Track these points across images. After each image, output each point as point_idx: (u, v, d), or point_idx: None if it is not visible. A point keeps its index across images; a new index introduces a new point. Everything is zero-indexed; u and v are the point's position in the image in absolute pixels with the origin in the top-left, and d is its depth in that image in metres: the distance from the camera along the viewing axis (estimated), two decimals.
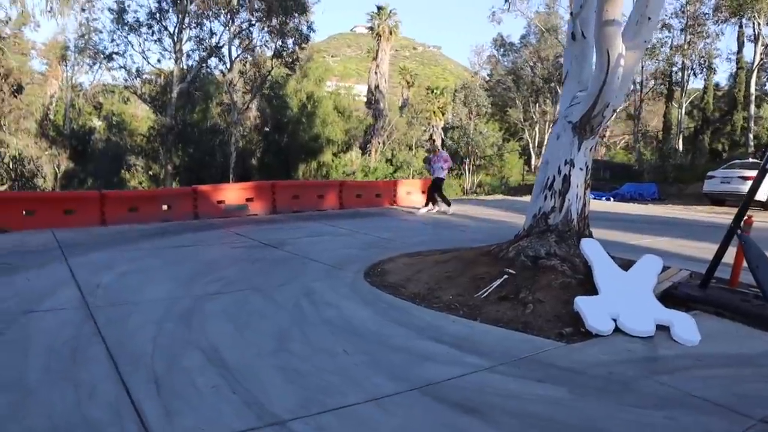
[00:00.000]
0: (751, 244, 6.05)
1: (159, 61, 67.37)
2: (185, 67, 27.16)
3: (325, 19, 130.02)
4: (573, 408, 3.75)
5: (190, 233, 10.65)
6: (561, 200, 7.11)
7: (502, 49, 45.42)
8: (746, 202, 6.16)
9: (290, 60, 26.01)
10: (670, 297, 6.25)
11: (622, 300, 5.62)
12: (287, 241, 9.91)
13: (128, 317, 5.44)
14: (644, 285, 6.05)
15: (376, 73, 42.68)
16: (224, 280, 7.02)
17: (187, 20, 25.12)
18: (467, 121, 41.82)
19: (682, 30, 32.03)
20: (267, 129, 30.29)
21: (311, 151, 30.08)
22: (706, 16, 31.75)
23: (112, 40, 25.48)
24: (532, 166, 42.29)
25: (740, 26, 30.79)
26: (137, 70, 25.26)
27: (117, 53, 26.75)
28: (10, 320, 5.26)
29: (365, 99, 44.43)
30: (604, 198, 20.13)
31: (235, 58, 27.76)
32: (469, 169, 39.65)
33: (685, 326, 5.19)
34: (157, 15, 24.34)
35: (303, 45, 26.35)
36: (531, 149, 45.21)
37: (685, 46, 31.60)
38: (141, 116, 32.33)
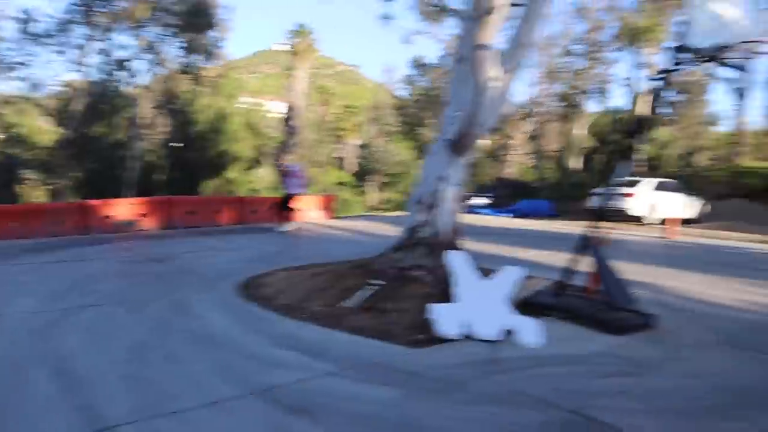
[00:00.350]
0: (601, 253, 6.54)
1: (62, 73, 64.68)
2: (92, 79, 26.29)
3: (247, 36, 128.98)
4: (402, 407, 3.97)
5: (76, 248, 10.35)
6: (432, 214, 7.44)
7: (417, 70, 46.45)
8: (599, 216, 6.63)
9: (197, 76, 25.66)
10: (528, 305, 6.66)
11: (476, 307, 5.95)
12: (174, 255, 9.80)
13: None
14: (500, 294, 6.40)
15: (291, 90, 42.77)
16: (98, 294, 6.91)
17: (95, 33, 24.35)
18: (376, 140, 42.46)
19: (582, 56, 33.98)
20: (174, 144, 29.67)
21: (217, 167, 29.71)
22: (603, 44, 33.81)
23: (14, 50, 24.31)
24: None
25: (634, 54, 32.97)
26: (37, 82, 24.19)
27: (21, 63, 25.57)
28: None
29: (284, 116, 44.39)
30: (503, 214, 20.93)
31: (145, 72, 27.13)
32: (376, 186, 40.20)
33: (531, 331, 5.56)
34: (64, 27, 23.45)
35: (211, 62, 26.06)
36: None
37: (584, 72, 33.52)
38: (47, 129, 30.91)
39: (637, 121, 6.35)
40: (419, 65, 44.90)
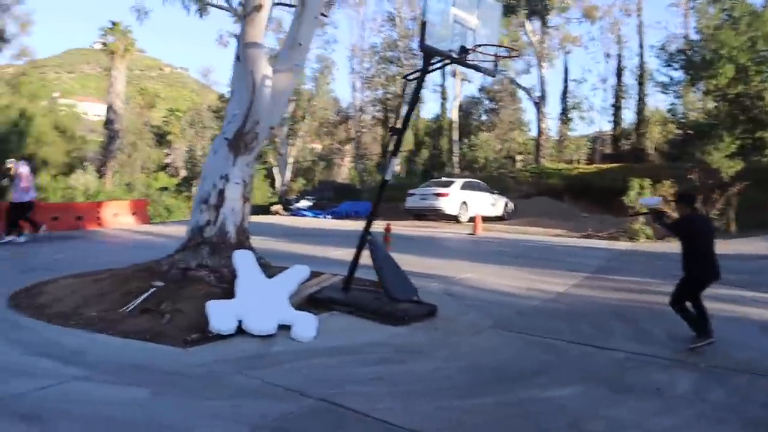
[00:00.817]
0: (379, 248, 6.86)
1: None
2: None
3: (63, 32, 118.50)
4: (149, 407, 3.89)
5: None
6: (216, 214, 7.36)
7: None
8: (372, 212, 6.93)
9: None
10: (314, 300, 6.83)
11: (254, 304, 5.98)
12: None
13: None
14: (283, 291, 6.51)
15: (110, 92, 40.07)
16: None
17: None
18: (197, 143, 41.17)
19: (393, 62, 35.44)
20: None
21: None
22: (414, 50, 35.53)
23: None
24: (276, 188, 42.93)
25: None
26: None
27: None
28: None
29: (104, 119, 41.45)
30: (321, 216, 21.22)
31: None
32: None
33: (305, 325, 5.69)
34: None
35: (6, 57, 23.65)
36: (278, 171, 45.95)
37: (396, 77, 35.02)
38: None
39: (402, 124, 6.71)
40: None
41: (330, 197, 25.28)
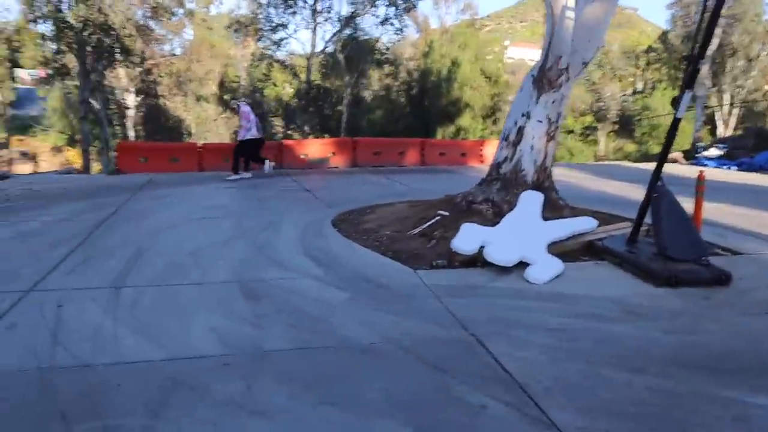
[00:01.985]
0: (665, 197, 5.91)
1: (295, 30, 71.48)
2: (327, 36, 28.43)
3: None
4: (337, 306, 4.45)
5: (258, 179, 12.19)
6: (513, 151, 7.36)
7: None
8: (662, 156, 5.96)
9: (399, 27, 26.67)
10: (592, 248, 6.35)
11: (507, 236, 5.94)
12: (327, 187, 11.04)
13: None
14: (549, 233, 6.24)
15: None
16: (224, 209, 8.40)
17: None
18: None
19: None
20: (413, 93, 31.42)
21: (449, 115, 30.70)
22: None
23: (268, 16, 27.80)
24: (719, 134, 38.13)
25: None
26: (280, 40, 27.49)
27: (281, 25, 29.07)
28: None
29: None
30: (726, 167, 18.34)
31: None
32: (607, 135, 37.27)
33: (542, 268, 5.42)
34: None
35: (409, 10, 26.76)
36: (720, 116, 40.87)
37: None
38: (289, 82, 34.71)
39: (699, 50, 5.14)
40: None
41: (749, 146, 21.43)
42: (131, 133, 32.04)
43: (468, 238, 5.81)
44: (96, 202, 9.04)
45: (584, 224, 6.66)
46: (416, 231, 6.92)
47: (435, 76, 31.29)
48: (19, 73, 54.73)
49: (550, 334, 4.01)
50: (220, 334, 3.91)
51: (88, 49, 17.42)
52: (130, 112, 32.45)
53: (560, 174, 14.36)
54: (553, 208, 7.20)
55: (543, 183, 7.42)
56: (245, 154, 12.57)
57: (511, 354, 3.65)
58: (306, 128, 26.20)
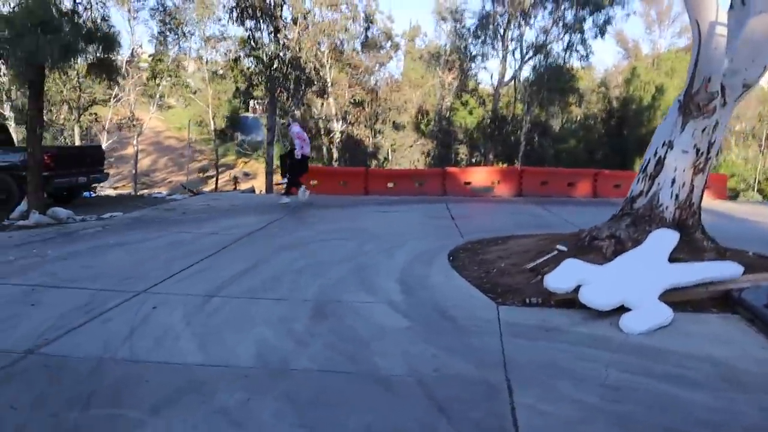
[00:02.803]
0: None
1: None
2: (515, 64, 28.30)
3: None
4: (393, 335, 4.40)
5: (415, 204, 12.41)
6: (649, 184, 6.62)
7: None
8: None
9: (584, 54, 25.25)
10: (727, 297, 5.48)
11: (612, 277, 5.37)
12: (474, 215, 10.88)
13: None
14: (670, 276, 5.48)
15: None
16: (357, 232, 8.71)
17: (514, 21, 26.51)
18: None
19: None
20: (612, 122, 29.69)
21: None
22: None
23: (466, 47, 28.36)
24: None
25: None
26: (473, 70, 27.73)
27: (477, 56, 29.56)
28: None
29: None
30: None
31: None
32: None
33: (641, 316, 4.80)
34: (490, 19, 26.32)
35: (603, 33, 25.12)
36: None
37: None
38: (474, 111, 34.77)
39: None
40: None
41: None
42: (335, 157, 34.63)
43: (564, 275, 5.33)
44: (250, 219, 9.93)
45: (724, 270, 5.72)
46: (530, 265, 6.53)
47: (636, 104, 29.25)
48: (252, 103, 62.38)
49: (600, 390, 3.53)
50: (262, 348, 4.09)
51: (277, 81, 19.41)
52: (336, 137, 35.09)
53: (745, 212, 12.56)
54: (694, 250, 6.30)
55: (686, 221, 6.54)
56: (297, 174, 12.58)
57: (534, 407, 3.29)
58: (490, 156, 26.06)
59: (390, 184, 14.66)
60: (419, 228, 9.40)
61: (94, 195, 15.85)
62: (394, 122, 36.49)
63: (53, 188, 11.29)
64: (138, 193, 22.56)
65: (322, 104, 35.43)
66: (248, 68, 20.40)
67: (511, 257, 7.07)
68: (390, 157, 36.65)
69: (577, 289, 5.17)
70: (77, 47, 8.08)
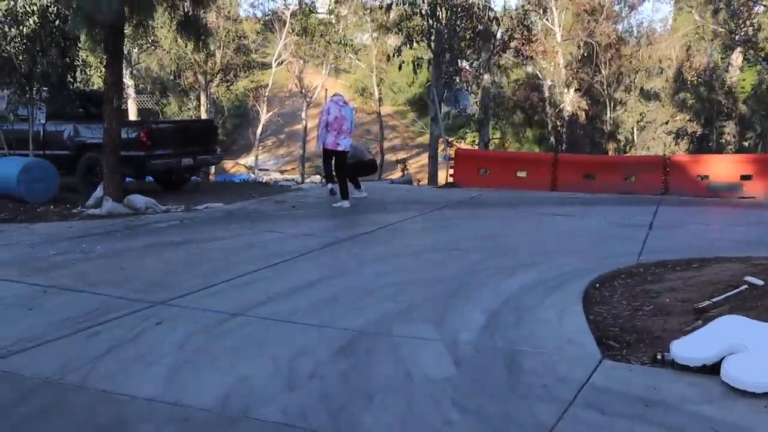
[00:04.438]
0: None
1: None
2: None
3: None
4: (443, 386, 4.32)
5: (612, 206, 11.85)
6: None
7: None
8: None
9: None
10: None
11: None
12: (685, 224, 10.20)
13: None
14: None
15: None
16: (489, 241, 8.58)
17: None
18: None
19: None
20: None
21: None
22: None
23: None
24: None
25: None
26: None
27: None
28: None
29: None
30: None
31: None
32: None
33: None
34: None
35: None
36: None
37: None
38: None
39: None
40: None
41: None
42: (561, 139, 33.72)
43: (706, 339, 4.74)
44: (371, 218, 10.22)
45: None
46: (703, 304, 5.96)
47: None
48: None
49: None
50: (237, 386, 4.26)
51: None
52: (566, 110, 33.94)
53: None
54: None
55: None
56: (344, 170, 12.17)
57: None
58: None
59: (586, 177, 14.09)
60: (585, 240, 8.99)
61: (201, 179, 17.38)
62: (641, 89, 34.66)
63: (149, 171, 12.54)
64: (268, 180, 24.18)
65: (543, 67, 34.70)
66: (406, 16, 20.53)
67: (688, 290, 6.56)
68: (634, 138, 34.80)
69: (721, 360, 4.58)
70: (150, 1, 8.88)
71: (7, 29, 11.53)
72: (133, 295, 6.08)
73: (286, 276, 6.87)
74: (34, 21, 11.37)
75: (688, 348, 4.75)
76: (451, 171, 14.95)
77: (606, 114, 35.64)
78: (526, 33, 26.64)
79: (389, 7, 21.22)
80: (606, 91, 35.12)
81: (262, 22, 36.08)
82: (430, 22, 20.06)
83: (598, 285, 6.81)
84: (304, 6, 31.36)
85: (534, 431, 3.78)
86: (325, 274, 6.97)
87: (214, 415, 3.85)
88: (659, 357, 4.91)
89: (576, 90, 34.40)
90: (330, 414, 3.93)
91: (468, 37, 21.83)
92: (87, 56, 18.44)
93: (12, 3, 11.32)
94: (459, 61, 24.52)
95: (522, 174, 14.62)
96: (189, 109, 33.01)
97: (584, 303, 6.20)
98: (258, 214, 10.62)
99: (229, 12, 31.42)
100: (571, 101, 34.13)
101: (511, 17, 26.09)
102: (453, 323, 5.53)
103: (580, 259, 7.77)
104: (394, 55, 21.82)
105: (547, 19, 34.13)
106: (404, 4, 20.28)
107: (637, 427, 3.89)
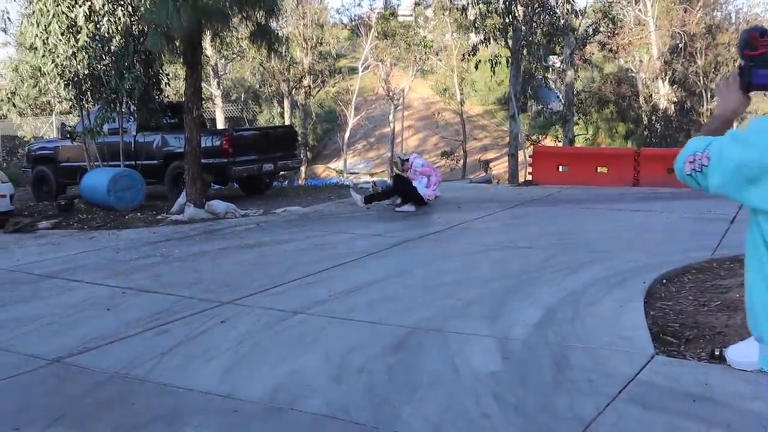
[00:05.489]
0: None
1: None
2: None
3: None
4: (457, 372, 4.43)
5: (704, 201, 11.48)
6: None
7: None
8: None
9: None
10: None
11: None
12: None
13: None
14: None
15: None
16: (553, 238, 8.59)
17: None
18: None
19: None
20: None
21: None
22: None
23: None
24: None
25: None
26: None
27: None
28: None
29: None
30: None
31: None
32: None
33: None
34: None
35: None
36: None
37: None
38: None
39: None
40: None
41: None
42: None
43: (745, 348, 4.63)
44: (436, 219, 10.34)
45: None
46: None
47: None
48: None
49: None
50: (286, 380, 4.47)
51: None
52: (661, 104, 33.02)
53: None
54: None
55: None
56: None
57: None
58: None
59: (671, 172, 13.70)
60: (658, 236, 8.85)
61: (284, 184, 17.76)
62: None
63: (232, 177, 12.97)
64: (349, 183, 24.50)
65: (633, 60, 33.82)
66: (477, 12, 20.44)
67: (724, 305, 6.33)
68: None
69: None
70: (222, 12, 9.24)
71: (97, 50, 12.17)
72: (202, 295, 6.40)
73: (350, 275, 7.07)
74: (117, 40, 11.98)
75: (742, 353, 4.64)
76: (530, 169, 14.93)
77: (703, 106, 34.47)
78: (611, 25, 26.13)
79: (465, 8, 21.29)
80: (702, 82, 34.00)
81: (348, 27, 36.73)
82: (507, 19, 19.99)
83: (665, 281, 6.71)
84: (386, 10, 31.57)
85: (571, 424, 3.83)
86: (388, 272, 7.13)
87: (260, 406, 4.07)
88: (717, 353, 4.85)
89: (670, 82, 33.48)
90: (372, 406, 4.08)
91: (546, 32, 21.61)
92: (176, 70, 19.23)
93: (99, 25, 11.95)
94: (546, 58, 24.35)
95: (603, 170, 14.39)
96: (273, 116, 33.72)
97: (647, 299, 6.13)
98: (332, 216, 10.89)
99: (318, 18, 32.10)
100: (665, 94, 33.24)
101: (594, 11, 25.67)
102: (508, 319, 5.59)
103: (650, 254, 7.63)
104: (470, 54, 21.86)
105: (639, 10, 33.32)
106: (479, 3, 20.26)
107: (681, 422, 3.88)
